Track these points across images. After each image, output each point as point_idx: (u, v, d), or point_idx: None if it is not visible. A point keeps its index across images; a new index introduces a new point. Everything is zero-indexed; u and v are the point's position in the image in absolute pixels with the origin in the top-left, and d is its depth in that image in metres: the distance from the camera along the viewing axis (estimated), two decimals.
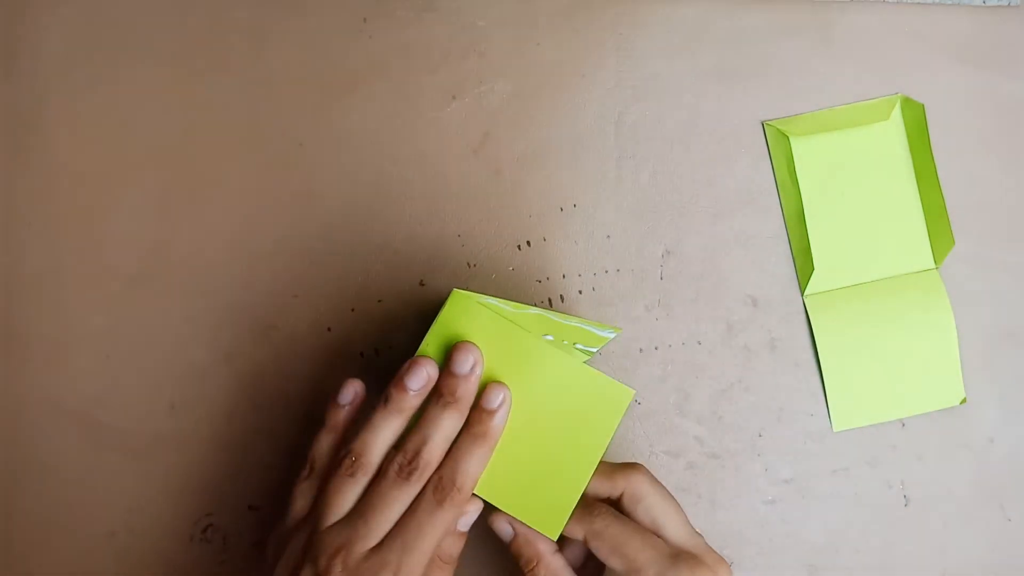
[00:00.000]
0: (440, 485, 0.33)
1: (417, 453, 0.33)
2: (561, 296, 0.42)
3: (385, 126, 0.42)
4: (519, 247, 0.42)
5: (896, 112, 0.42)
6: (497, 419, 0.34)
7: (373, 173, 0.42)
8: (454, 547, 0.35)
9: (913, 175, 0.42)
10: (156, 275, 0.41)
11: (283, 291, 0.41)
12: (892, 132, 0.42)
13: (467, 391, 0.34)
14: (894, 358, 0.41)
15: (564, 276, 0.42)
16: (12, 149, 0.42)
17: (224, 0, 0.42)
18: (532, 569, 0.35)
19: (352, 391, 0.37)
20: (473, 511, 0.35)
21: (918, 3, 0.42)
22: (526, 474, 0.35)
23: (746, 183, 0.42)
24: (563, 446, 0.35)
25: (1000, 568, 0.41)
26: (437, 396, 0.34)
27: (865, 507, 0.41)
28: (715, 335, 0.42)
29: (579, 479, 0.35)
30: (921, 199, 0.42)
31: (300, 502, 0.36)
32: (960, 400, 0.41)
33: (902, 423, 0.41)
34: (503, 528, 0.36)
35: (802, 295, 0.42)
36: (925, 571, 0.41)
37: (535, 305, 0.41)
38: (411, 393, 0.34)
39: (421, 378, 0.34)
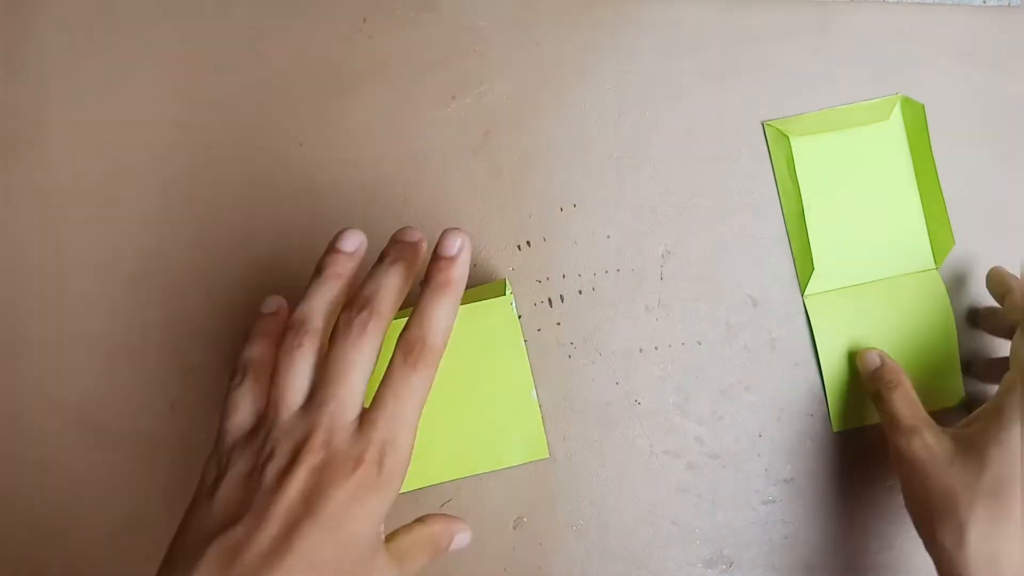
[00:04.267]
0: (408, 345, 0.29)
1: (367, 300, 0.30)
2: (561, 296, 0.42)
3: (385, 126, 0.42)
4: (519, 247, 0.42)
5: (896, 112, 0.42)
6: (458, 266, 0.31)
7: (373, 173, 0.42)
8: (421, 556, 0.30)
9: (913, 175, 0.42)
10: (156, 275, 0.41)
11: (283, 291, 0.41)
12: (892, 132, 0.42)
13: (415, 254, 0.32)
14: (894, 358, 0.41)
15: (564, 276, 0.42)
16: (12, 149, 0.42)
17: (224, 0, 0.42)
18: (892, 388, 0.38)
19: (277, 302, 0.35)
20: (466, 536, 0.32)
21: (918, 3, 0.42)
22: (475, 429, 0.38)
23: (746, 183, 0.42)
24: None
25: None
26: (382, 258, 0.31)
27: (865, 507, 0.41)
28: (715, 335, 0.42)
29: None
30: (921, 199, 0.42)
31: (242, 407, 0.30)
32: (960, 400, 0.41)
33: None
34: (871, 358, 0.39)
35: (802, 295, 0.42)
36: (925, 571, 0.41)
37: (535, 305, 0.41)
38: (344, 255, 0.32)
39: (355, 240, 0.32)
